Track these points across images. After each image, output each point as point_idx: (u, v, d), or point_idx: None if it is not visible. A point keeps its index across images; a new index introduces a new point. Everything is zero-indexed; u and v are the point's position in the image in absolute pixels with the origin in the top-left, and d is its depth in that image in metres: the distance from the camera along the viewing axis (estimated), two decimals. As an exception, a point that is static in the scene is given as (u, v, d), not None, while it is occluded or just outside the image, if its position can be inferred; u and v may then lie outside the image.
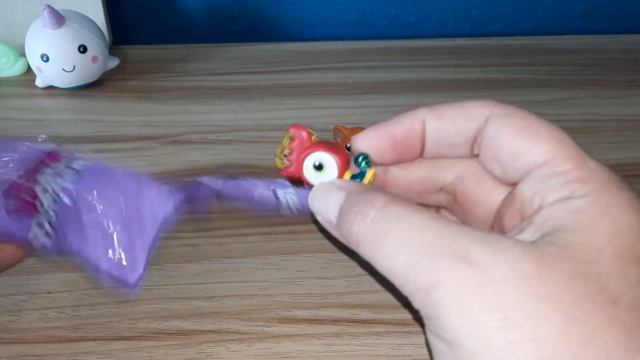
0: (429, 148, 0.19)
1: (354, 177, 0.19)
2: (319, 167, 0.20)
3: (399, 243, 0.15)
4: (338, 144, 0.21)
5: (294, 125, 0.21)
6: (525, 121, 0.17)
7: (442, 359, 0.14)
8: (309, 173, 0.20)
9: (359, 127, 0.33)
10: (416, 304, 0.15)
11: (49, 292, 0.26)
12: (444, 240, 0.14)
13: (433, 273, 0.14)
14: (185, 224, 0.30)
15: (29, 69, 0.44)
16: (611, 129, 0.39)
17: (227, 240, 0.29)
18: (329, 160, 0.20)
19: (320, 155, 0.20)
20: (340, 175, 0.20)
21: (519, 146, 0.17)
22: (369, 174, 0.19)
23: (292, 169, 0.21)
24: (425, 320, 0.15)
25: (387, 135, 0.19)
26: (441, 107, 0.19)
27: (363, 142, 0.19)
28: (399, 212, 0.15)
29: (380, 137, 0.19)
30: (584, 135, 0.38)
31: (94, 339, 0.24)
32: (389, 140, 0.19)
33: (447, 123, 0.19)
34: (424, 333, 0.16)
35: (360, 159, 0.19)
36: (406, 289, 0.15)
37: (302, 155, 0.20)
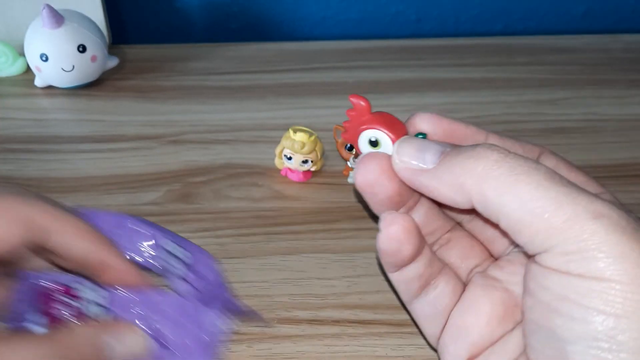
0: None
1: None
2: (374, 143, 0.20)
3: (536, 183, 0.16)
4: (392, 120, 0.20)
5: (353, 95, 0.21)
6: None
7: (581, 295, 0.15)
8: (363, 145, 0.21)
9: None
10: (553, 240, 0.16)
11: None
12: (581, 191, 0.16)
13: (593, 205, 0.15)
14: (185, 224, 0.30)
15: (28, 69, 0.44)
16: (612, 129, 0.39)
17: (226, 240, 0.29)
18: (386, 140, 0.20)
19: (378, 134, 0.20)
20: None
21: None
22: None
23: (347, 136, 0.21)
24: (560, 257, 0.16)
25: (449, 127, 0.20)
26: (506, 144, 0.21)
27: (425, 123, 0.20)
28: (520, 161, 0.16)
29: (443, 126, 0.20)
30: (585, 135, 0.38)
31: None
32: (449, 133, 0.20)
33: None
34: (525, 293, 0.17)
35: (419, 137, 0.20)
36: (544, 223, 0.16)
37: (361, 128, 0.20)
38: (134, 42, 0.52)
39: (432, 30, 0.55)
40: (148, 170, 0.34)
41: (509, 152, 0.17)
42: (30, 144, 0.37)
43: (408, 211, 0.21)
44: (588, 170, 0.34)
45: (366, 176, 0.19)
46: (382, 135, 0.20)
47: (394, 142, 0.20)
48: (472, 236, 0.22)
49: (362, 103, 0.21)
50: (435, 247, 0.22)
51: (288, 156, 0.32)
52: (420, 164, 0.18)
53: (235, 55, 0.48)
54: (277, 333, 0.25)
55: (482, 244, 0.22)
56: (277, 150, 0.33)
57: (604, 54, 0.49)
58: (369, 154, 0.20)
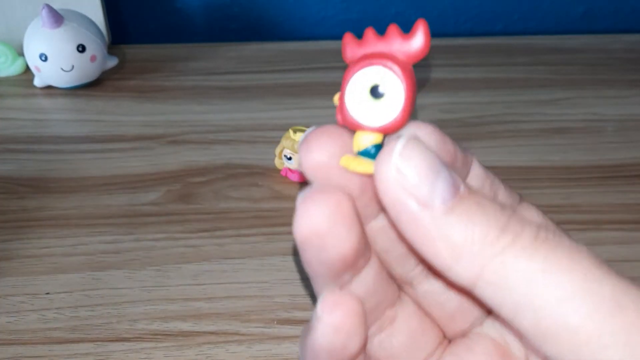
0: None
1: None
2: (376, 94, 0.13)
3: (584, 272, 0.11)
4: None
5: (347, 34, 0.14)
6: None
7: None
8: (355, 98, 0.13)
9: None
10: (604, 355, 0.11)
11: (48, 293, 0.26)
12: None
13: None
14: (185, 224, 0.30)
15: (27, 69, 0.44)
16: (611, 129, 0.39)
17: (226, 241, 0.29)
18: (397, 88, 0.13)
19: (386, 74, 0.13)
20: (406, 115, 0.13)
21: None
22: None
23: (337, 101, 0.14)
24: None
25: (443, 147, 0.14)
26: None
27: (421, 134, 0.14)
28: (565, 240, 0.12)
29: (438, 145, 0.14)
30: (586, 135, 0.38)
31: (92, 341, 0.24)
32: (441, 153, 0.14)
33: None
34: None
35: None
36: (594, 329, 0.11)
37: (352, 71, 0.13)
38: (133, 42, 0.51)
39: (432, 30, 0.55)
40: (148, 171, 0.34)
41: (547, 219, 0.14)
42: (30, 144, 0.37)
43: (353, 277, 0.14)
44: (589, 170, 0.35)
45: (314, 220, 0.13)
46: (391, 78, 0.13)
47: (405, 88, 0.13)
48: (423, 311, 0.16)
49: (370, 33, 0.14)
50: (377, 334, 0.15)
51: (288, 156, 0.32)
52: (425, 195, 0.12)
53: (236, 55, 0.48)
54: (277, 334, 0.24)
55: (435, 320, 0.16)
56: (277, 151, 0.33)
57: (604, 54, 0.48)
58: (410, 144, 0.12)
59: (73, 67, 0.40)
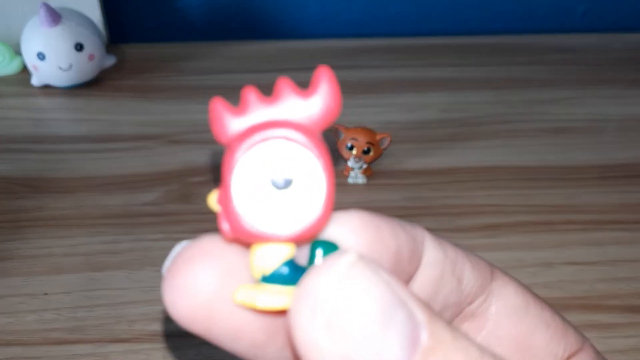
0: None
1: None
2: (280, 183, 0.09)
3: None
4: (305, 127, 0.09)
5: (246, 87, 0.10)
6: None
7: None
8: (250, 200, 0.09)
9: (359, 127, 0.33)
10: None
11: (46, 294, 0.26)
12: None
13: None
14: (184, 224, 0.30)
15: (25, 68, 0.44)
16: (613, 128, 0.39)
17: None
18: (307, 161, 0.09)
19: (283, 148, 0.09)
20: (330, 207, 0.09)
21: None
22: None
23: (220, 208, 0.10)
24: None
25: (376, 235, 0.10)
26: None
27: (345, 229, 0.10)
28: None
29: (369, 234, 0.10)
30: (587, 134, 0.38)
31: (91, 341, 0.24)
32: (376, 240, 0.10)
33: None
34: None
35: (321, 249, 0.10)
36: None
37: (236, 153, 0.09)
38: (132, 41, 0.51)
39: (432, 29, 0.55)
40: (147, 171, 0.34)
41: (527, 293, 0.12)
42: (28, 144, 0.36)
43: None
44: (589, 170, 0.35)
45: (194, 293, 0.09)
46: (301, 154, 0.09)
47: (330, 179, 0.09)
48: None
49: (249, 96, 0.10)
50: None
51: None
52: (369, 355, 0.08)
53: (235, 55, 0.48)
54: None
55: None
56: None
57: (606, 54, 0.48)
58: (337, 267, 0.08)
59: (71, 66, 0.40)
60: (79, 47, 0.40)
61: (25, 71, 0.44)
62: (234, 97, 0.43)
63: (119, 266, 0.27)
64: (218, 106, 0.10)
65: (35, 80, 0.42)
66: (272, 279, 0.09)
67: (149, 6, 0.54)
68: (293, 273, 0.09)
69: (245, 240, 0.09)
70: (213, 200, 0.10)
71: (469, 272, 0.12)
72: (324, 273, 0.08)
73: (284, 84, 0.10)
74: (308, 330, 0.08)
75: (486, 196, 0.32)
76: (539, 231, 0.30)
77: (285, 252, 0.09)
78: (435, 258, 0.12)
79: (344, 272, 0.08)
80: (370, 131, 0.32)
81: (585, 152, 0.36)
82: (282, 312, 0.09)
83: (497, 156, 0.36)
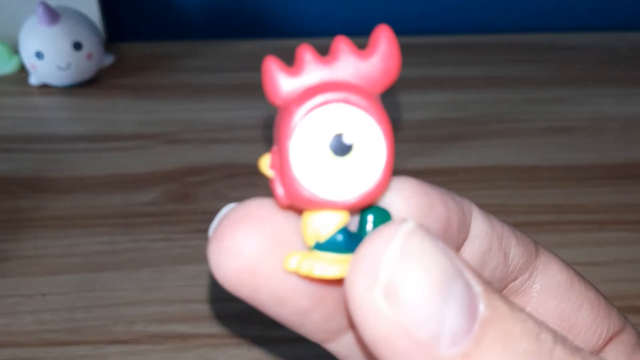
0: None
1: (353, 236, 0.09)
2: (340, 148, 0.09)
3: None
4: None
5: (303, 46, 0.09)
6: None
7: None
8: (309, 166, 0.09)
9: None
10: None
11: (44, 294, 0.26)
12: None
13: None
14: (182, 224, 0.30)
15: (22, 67, 0.44)
16: (617, 128, 0.38)
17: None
18: (367, 126, 0.09)
19: (342, 113, 0.09)
20: (389, 174, 0.09)
21: None
22: None
23: (274, 167, 0.09)
24: None
25: (427, 202, 0.10)
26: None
27: (399, 197, 0.10)
28: None
29: (421, 202, 0.10)
30: (589, 133, 0.38)
31: (89, 343, 0.24)
32: (426, 210, 0.10)
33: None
34: None
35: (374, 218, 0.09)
36: None
37: (293, 116, 0.09)
38: (130, 39, 0.51)
39: (434, 27, 0.55)
40: (145, 170, 0.34)
41: (572, 272, 0.12)
42: (25, 144, 0.36)
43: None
44: (594, 170, 0.35)
45: (242, 255, 0.09)
46: (362, 119, 0.09)
47: (390, 145, 0.09)
48: None
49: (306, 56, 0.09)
50: None
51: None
52: (426, 335, 0.08)
53: (234, 53, 0.48)
54: (277, 336, 0.24)
55: None
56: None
57: (609, 52, 0.48)
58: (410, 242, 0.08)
59: (69, 65, 0.40)
60: (78, 46, 0.40)
61: (23, 70, 0.44)
62: (233, 95, 0.43)
63: (117, 267, 0.27)
64: (272, 65, 0.09)
65: (33, 80, 0.42)
66: (326, 246, 0.09)
67: (147, 4, 0.53)
68: (347, 241, 0.09)
69: (301, 206, 0.09)
70: (265, 164, 0.09)
71: (514, 247, 0.12)
72: (384, 241, 0.08)
73: (341, 43, 0.09)
74: (366, 299, 0.08)
75: (488, 196, 0.32)
76: (541, 231, 0.29)
77: (340, 219, 0.09)
78: (483, 230, 0.11)
79: (402, 240, 0.08)
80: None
81: (589, 151, 0.36)
82: (335, 281, 0.09)
83: (499, 156, 0.36)
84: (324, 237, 0.09)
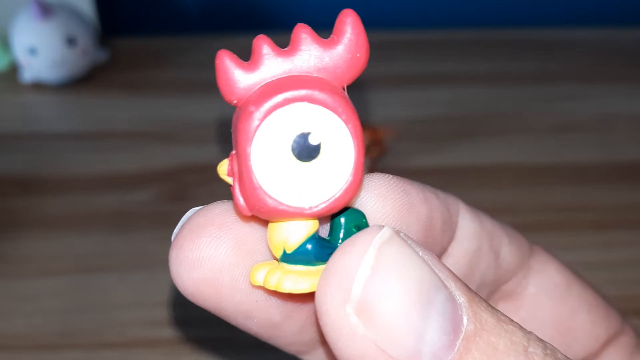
0: None
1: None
2: (305, 151, 0.08)
3: None
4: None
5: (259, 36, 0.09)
6: None
7: None
8: (271, 171, 0.08)
9: (362, 125, 0.32)
10: None
11: (35, 297, 0.26)
12: None
13: None
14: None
15: (14, 64, 0.43)
16: (625, 126, 0.38)
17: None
18: (334, 126, 0.08)
19: (306, 112, 0.08)
20: (360, 176, 0.08)
21: None
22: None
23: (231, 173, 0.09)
24: None
25: (404, 200, 0.10)
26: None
27: (373, 195, 0.09)
28: None
29: (397, 201, 0.10)
30: (597, 131, 0.37)
31: (82, 346, 0.24)
32: (404, 209, 0.10)
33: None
34: None
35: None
36: None
37: (251, 117, 0.08)
38: (125, 34, 0.50)
39: (437, 22, 0.54)
40: (140, 169, 0.33)
41: (568, 272, 0.12)
42: (17, 142, 0.36)
43: None
44: (601, 169, 0.34)
45: (203, 269, 0.09)
46: (327, 118, 0.08)
47: (360, 144, 0.08)
48: None
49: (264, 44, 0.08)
50: None
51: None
52: (407, 353, 0.08)
53: (232, 48, 0.47)
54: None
55: None
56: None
57: (617, 49, 0.48)
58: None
59: (63, 60, 0.39)
60: (71, 41, 0.39)
61: (14, 67, 0.43)
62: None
63: (111, 268, 0.27)
64: (225, 60, 0.08)
65: (26, 76, 0.41)
66: (295, 257, 0.08)
67: (144, -1, 0.53)
68: (318, 250, 0.08)
69: (265, 216, 0.08)
70: (223, 171, 0.09)
71: (506, 247, 0.11)
72: (356, 252, 0.07)
73: (302, 32, 0.08)
74: (338, 316, 0.07)
75: (492, 195, 0.32)
76: (547, 231, 0.29)
77: (308, 227, 0.08)
78: (471, 230, 0.11)
79: (377, 251, 0.07)
80: (372, 128, 0.31)
81: (596, 149, 0.36)
82: (305, 296, 0.08)
83: (504, 154, 0.35)
84: (291, 247, 0.08)
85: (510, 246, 0.11)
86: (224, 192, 0.36)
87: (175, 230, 0.09)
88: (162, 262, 0.27)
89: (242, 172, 0.08)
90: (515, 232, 0.12)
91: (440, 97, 0.41)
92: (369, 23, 0.48)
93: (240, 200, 0.08)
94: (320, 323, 0.08)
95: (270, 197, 0.08)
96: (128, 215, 0.30)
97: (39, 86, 0.41)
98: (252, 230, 0.09)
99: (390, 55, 0.46)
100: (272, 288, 0.08)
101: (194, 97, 0.41)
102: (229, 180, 0.09)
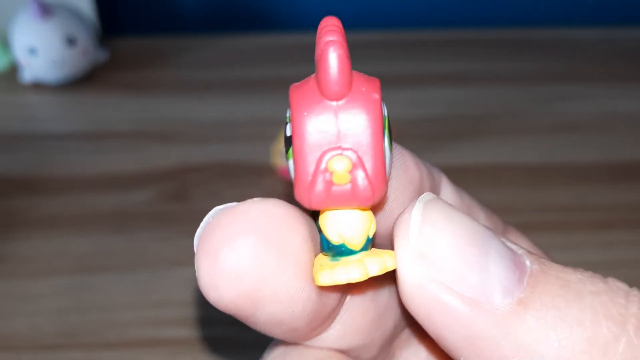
0: None
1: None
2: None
3: None
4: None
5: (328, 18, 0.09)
6: None
7: None
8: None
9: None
10: None
11: (36, 297, 0.26)
12: None
13: None
14: (179, 224, 0.29)
15: (14, 64, 0.43)
16: (625, 126, 0.38)
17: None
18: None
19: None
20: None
21: None
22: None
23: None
24: None
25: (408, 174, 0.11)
26: None
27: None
28: None
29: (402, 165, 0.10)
30: (597, 131, 0.37)
31: (82, 347, 0.23)
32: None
33: None
34: None
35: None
36: None
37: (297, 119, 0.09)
38: (125, 34, 0.50)
39: (437, 22, 0.54)
40: (140, 169, 0.33)
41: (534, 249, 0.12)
42: (17, 142, 0.36)
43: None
44: (601, 169, 0.34)
45: (239, 278, 0.09)
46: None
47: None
48: None
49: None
50: None
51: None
52: (475, 289, 0.08)
53: (233, 48, 0.47)
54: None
55: None
56: (275, 148, 0.32)
57: (617, 48, 0.47)
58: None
59: (63, 60, 0.39)
60: (71, 41, 0.39)
61: (14, 67, 0.43)
62: (231, 91, 0.42)
63: (111, 268, 0.27)
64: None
65: (26, 76, 0.41)
66: (359, 248, 0.09)
67: (144, -1, 0.53)
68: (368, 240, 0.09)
69: (377, 201, 0.09)
70: (343, 176, 0.08)
71: (483, 221, 0.11)
72: (406, 215, 0.08)
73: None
74: (409, 273, 0.08)
75: (493, 195, 0.32)
76: (547, 231, 0.29)
77: (370, 218, 0.09)
78: (453, 201, 0.11)
79: (423, 205, 0.08)
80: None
81: (597, 149, 0.36)
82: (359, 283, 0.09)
83: (504, 154, 0.35)
84: (363, 239, 0.09)
85: (486, 221, 0.12)
86: (224, 192, 0.35)
87: (199, 233, 0.09)
88: (162, 262, 0.27)
89: (373, 157, 0.08)
90: (490, 211, 0.12)
91: (440, 97, 0.41)
92: (370, 23, 0.48)
93: (367, 189, 0.09)
94: (398, 286, 0.08)
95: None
96: (128, 215, 0.30)
97: (39, 86, 0.41)
98: (292, 234, 0.09)
99: (390, 55, 0.46)
100: (344, 281, 0.08)
101: (194, 97, 0.41)
102: (346, 177, 0.09)
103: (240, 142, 0.36)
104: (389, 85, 0.42)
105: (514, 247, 0.08)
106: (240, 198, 0.34)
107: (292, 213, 0.09)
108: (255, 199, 0.09)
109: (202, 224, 0.09)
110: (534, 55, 0.46)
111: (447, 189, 0.11)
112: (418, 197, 0.09)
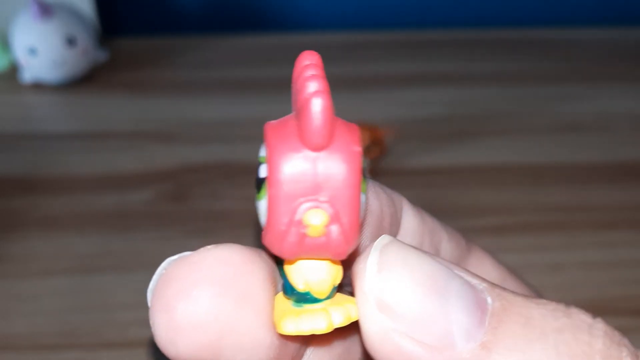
0: None
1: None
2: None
3: None
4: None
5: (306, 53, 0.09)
6: None
7: None
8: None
9: (361, 124, 0.32)
10: None
11: (36, 297, 0.25)
12: None
13: None
14: (179, 224, 0.29)
15: (14, 64, 0.43)
16: (625, 126, 0.38)
17: (223, 242, 0.28)
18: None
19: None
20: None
21: None
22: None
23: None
24: None
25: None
26: None
27: None
28: None
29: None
30: (597, 131, 0.37)
31: (82, 346, 0.23)
32: None
33: None
34: None
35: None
36: None
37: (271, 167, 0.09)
38: (125, 34, 0.50)
39: (437, 22, 0.54)
40: (141, 169, 0.33)
41: (503, 270, 0.12)
42: (17, 142, 0.36)
43: None
44: (600, 169, 0.34)
45: (197, 331, 0.08)
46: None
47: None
48: None
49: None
50: None
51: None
52: (437, 335, 0.08)
53: (233, 48, 0.47)
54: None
55: None
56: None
57: (617, 48, 0.48)
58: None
59: (63, 60, 0.39)
60: (72, 41, 0.39)
61: (14, 67, 0.43)
62: (231, 91, 0.42)
63: (112, 268, 0.27)
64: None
65: (26, 76, 0.41)
66: (310, 296, 0.09)
67: (144, -1, 0.53)
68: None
69: (346, 255, 0.09)
70: (318, 229, 0.08)
71: (446, 243, 0.11)
72: (362, 257, 0.08)
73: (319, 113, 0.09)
74: (368, 321, 0.08)
75: (493, 195, 0.32)
76: (548, 231, 0.29)
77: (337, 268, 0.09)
78: (414, 225, 0.11)
79: (379, 251, 0.08)
80: (372, 128, 0.31)
81: (597, 149, 0.36)
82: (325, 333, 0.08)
83: (505, 154, 0.35)
84: (329, 287, 0.09)
85: (449, 243, 0.12)
86: (224, 192, 0.35)
87: (152, 286, 0.08)
88: (162, 262, 0.27)
89: (349, 212, 0.08)
90: (453, 230, 0.12)
91: (440, 97, 0.41)
92: (370, 23, 0.48)
93: (342, 243, 0.08)
94: (361, 335, 0.08)
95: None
96: (128, 215, 0.30)
97: (39, 86, 0.41)
98: (251, 280, 0.08)
99: (391, 55, 0.46)
100: (308, 332, 0.08)
101: (194, 97, 0.41)
102: (320, 232, 0.08)
103: (240, 142, 0.36)
104: (389, 85, 0.43)
105: (475, 282, 0.08)
106: (241, 198, 0.34)
107: (248, 257, 0.09)
108: (209, 247, 0.09)
109: (154, 277, 0.09)
110: (533, 55, 0.46)
111: (409, 213, 0.11)
112: (377, 231, 0.09)
